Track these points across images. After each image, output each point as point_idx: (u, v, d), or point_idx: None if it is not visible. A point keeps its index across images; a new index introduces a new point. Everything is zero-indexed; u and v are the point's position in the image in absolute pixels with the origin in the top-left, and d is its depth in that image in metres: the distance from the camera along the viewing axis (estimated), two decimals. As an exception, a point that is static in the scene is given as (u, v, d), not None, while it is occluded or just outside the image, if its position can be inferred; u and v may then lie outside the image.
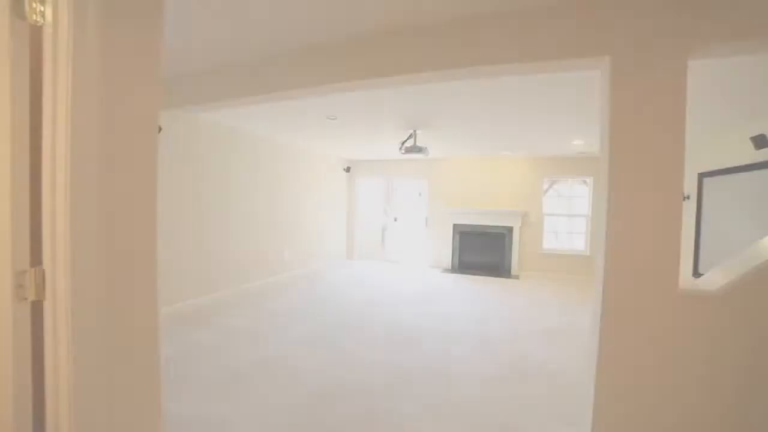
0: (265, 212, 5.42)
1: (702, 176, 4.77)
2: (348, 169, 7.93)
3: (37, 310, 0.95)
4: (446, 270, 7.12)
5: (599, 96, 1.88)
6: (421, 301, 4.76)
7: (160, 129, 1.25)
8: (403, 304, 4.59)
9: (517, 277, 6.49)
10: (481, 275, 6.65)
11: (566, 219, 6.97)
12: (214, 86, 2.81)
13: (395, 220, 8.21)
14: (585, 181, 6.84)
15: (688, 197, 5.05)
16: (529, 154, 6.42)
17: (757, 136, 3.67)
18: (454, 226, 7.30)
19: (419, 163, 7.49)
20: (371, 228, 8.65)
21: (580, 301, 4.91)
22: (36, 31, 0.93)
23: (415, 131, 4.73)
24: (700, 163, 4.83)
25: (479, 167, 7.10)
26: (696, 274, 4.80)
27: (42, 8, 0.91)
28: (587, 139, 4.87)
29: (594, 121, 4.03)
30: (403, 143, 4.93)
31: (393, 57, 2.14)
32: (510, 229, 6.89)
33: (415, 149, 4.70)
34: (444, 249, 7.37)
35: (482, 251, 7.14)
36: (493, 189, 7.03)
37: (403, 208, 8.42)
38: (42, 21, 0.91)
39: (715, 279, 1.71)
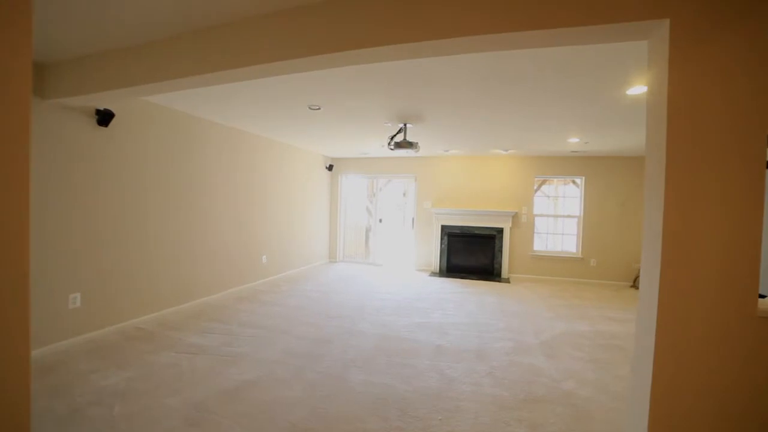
0: (241, 213, 4.91)
1: None
2: (330, 168, 7.48)
3: None
4: (434, 273, 6.79)
5: (649, 71, 1.55)
6: (411, 310, 4.38)
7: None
8: (393, 314, 4.20)
9: (507, 281, 6.23)
10: (470, 279, 6.35)
11: (555, 220, 6.77)
12: (145, 65, 2.32)
13: (380, 221, 7.82)
14: (574, 181, 6.67)
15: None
16: (520, 152, 6.17)
17: None
18: (442, 227, 6.98)
19: (406, 162, 7.13)
20: (355, 229, 8.24)
21: (576, 307, 4.66)
22: None
23: (405, 125, 4.36)
24: None
25: (468, 166, 6.82)
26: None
27: None
28: (585, 135, 4.63)
29: (592, 117, 3.80)
30: (392, 138, 4.54)
31: (368, 24, 1.74)
32: (500, 231, 6.64)
33: (406, 145, 4.32)
34: (431, 251, 7.04)
35: (471, 254, 6.85)
36: (483, 189, 6.75)
37: (388, 209, 8.05)
38: None
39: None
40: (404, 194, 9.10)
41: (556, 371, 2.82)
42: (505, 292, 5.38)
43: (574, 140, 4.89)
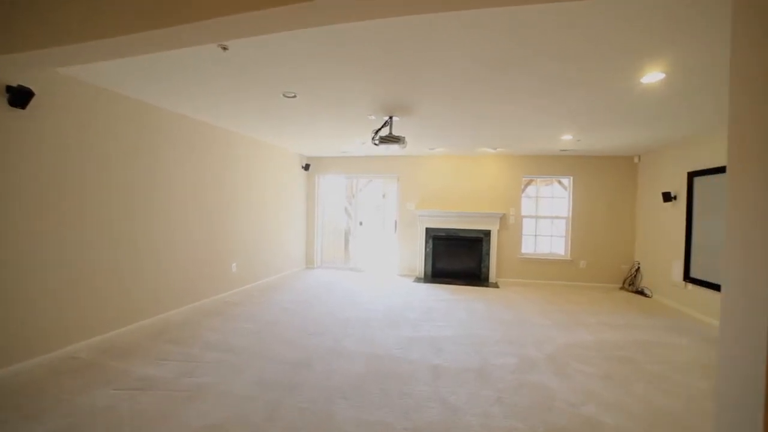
0: (208, 216, 4.34)
1: (692, 175, 4.50)
2: (307, 167, 6.98)
3: None
4: (419, 279, 6.42)
5: (731, 24, 1.22)
6: (399, 322, 3.98)
7: None
8: (380, 327, 3.78)
9: (496, 286, 5.95)
10: (457, 284, 6.03)
11: (542, 222, 6.58)
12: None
13: (360, 223, 7.39)
14: (560, 181, 6.52)
15: (675, 198, 4.80)
16: (508, 151, 5.92)
17: None
18: (427, 230, 6.64)
19: (388, 161, 6.75)
20: (334, 233, 7.77)
21: (571, 313, 4.41)
22: None
23: (390, 118, 3.96)
24: (690, 161, 4.56)
25: (454, 166, 6.51)
26: (687, 278, 4.51)
27: None
28: (579, 132, 4.40)
29: (595, 111, 3.29)
30: (377, 132, 4.13)
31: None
32: (487, 233, 6.37)
33: (392, 139, 3.93)
34: (416, 255, 6.69)
35: (458, 257, 6.54)
36: (469, 190, 6.47)
37: (369, 211, 7.63)
38: None
39: None
40: (383, 196, 8.68)
41: (571, 392, 2.50)
42: (496, 299, 5.08)
43: (567, 137, 4.66)
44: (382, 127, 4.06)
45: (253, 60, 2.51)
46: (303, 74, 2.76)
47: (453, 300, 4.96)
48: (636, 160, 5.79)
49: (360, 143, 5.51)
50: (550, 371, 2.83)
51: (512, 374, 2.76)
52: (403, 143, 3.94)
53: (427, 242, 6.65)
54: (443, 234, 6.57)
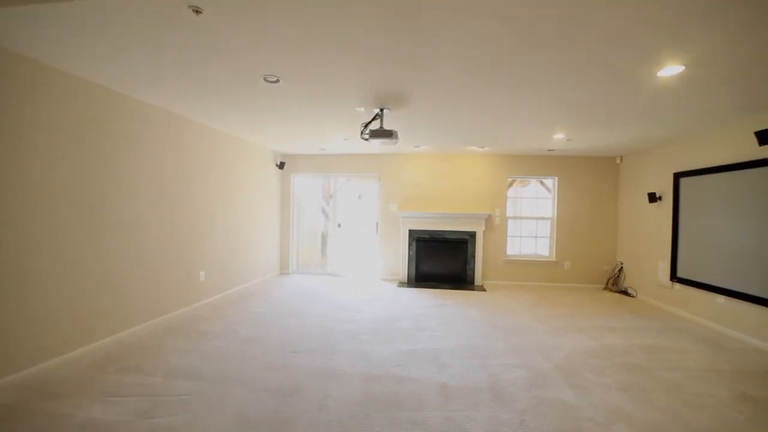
0: (171, 220, 3.78)
1: (678, 176, 4.52)
2: (281, 166, 6.48)
3: None
4: (402, 283, 6.12)
5: None
6: (392, 333, 3.64)
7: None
8: (371, 340, 3.42)
9: (483, 289, 5.76)
10: (443, 288, 5.78)
11: (526, 223, 6.50)
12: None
13: (339, 225, 6.98)
14: (542, 182, 6.46)
15: (660, 198, 4.81)
16: (494, 150, 5.77)
17: (762, 131, 3.35)
18: (410, 232, 6.35)
19: (368, 160, 6.40)
20: (310, 236, 7.30)
21: (566, 317, 4.28)
22: None
23: (381, 111, 3.62)
24: (676, 162, 4.58)
25: (438, 165, 6.28)
26: (674, 278, 4.52)
27: None
28: (573, 131, 4.28)
29: (601, 107, 2.96)
30: (366, 126, 3.79)
31: None
32: (472, 235, 6.18)
33: (383, 134, 3.59)
34: (398, 259, 6.38)
35: (442, 260, 6.30)
36: (454, 190, 6.25)
37: (348, 212, 7.23)
38: None
39: None
40: (359, 197, 8.33)
41: (594, 409, 2.27)
42: (487, 303, 4.87)
43: (559, 137, 4.54)
44: (372, 120, 3.71)
45: (231, 32, 2.08)
46: (289, 54, 2.36)
47: (443, 306, 4.69)
48: (618, 161, 5.83)
49: (342, 139, 5.13)
50: (565, 384, 2.60)
51: (527, 391, 2.50)
52: (395, 138, 3.61)
53: (410, 245, 6.36)
54: (427, 236, 6.31)
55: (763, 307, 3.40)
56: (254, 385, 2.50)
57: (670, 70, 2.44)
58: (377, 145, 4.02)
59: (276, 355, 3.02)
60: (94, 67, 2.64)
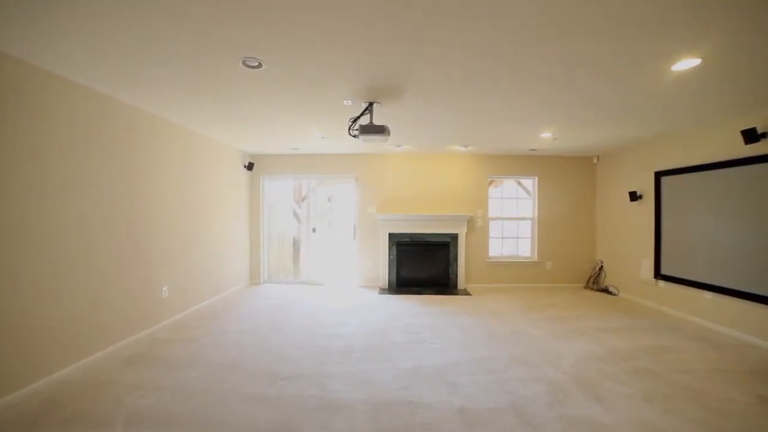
0: (127, 228, 3.19)
1: (659, 174, 4.60)
2: (250, 167, 5.93)
3: None
4: (383, 290, 5.81)
5: None
6: (386, 348, 3.31)
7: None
8: (367, 359, 3.08)
9: (467, 293, 5.59)
10: (427, 294, 5.55)
11: (506, 224, 6.44)
12: None
13: (314, 230, 6.53)
14: (519, 182, 6.43)
15: (641, 197, 4.89)
16: (476, 150, 5.63)
17: (747, 130, 3.43)
18: (390, 235, 6.06)
19: (345, 160, 6.04)
20: (282, 242, 6.79)
21: (559, 319, 4.18)
22: None
23: (371, 105, 3.30)
24: (657, 161, 4.67)
25: (418, 165, 6.05)
26: (659, 275, 4.59)
27: None
28: (562, 130, 4.20)
29: (606, 104, 2.77)
30: (355, 120, 3.45)
31: None
32: (455, 237, 6.00)
33: (374, 129, 3.27)
34: (379, 264, 6.06)
35: (424, 264, 6.07)
36: (434, 191, 6.05)
37: (324, 216, 6.81)
38: None
39: None
40: (329, 199, 7.93)
41: (628, 427, 2.10)
42: (476, 309, 4.68)
43: (546, 135, 4.46)
44: (362, 114, 3.38)
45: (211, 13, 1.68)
46: (272, 31, 1.98)
47: (431, 314, 4.43)
48: (595, 160, 5.92)
49: (320, 137, 4.73)
50: (587, 398, 2.42)
51: (551, 409, 2.29)
52: (387, 134, 3.30)
53: (390, 249, 6.07)
54: (408, 239, 6.05)
55: (750, 302, 3.46)
56: (241, 426, 2.07)
57: (683, 64, 2.35)
58: (365, 141, 3.68)
59: (261, 384, 2.59)
60: (14, 37, 2.09)
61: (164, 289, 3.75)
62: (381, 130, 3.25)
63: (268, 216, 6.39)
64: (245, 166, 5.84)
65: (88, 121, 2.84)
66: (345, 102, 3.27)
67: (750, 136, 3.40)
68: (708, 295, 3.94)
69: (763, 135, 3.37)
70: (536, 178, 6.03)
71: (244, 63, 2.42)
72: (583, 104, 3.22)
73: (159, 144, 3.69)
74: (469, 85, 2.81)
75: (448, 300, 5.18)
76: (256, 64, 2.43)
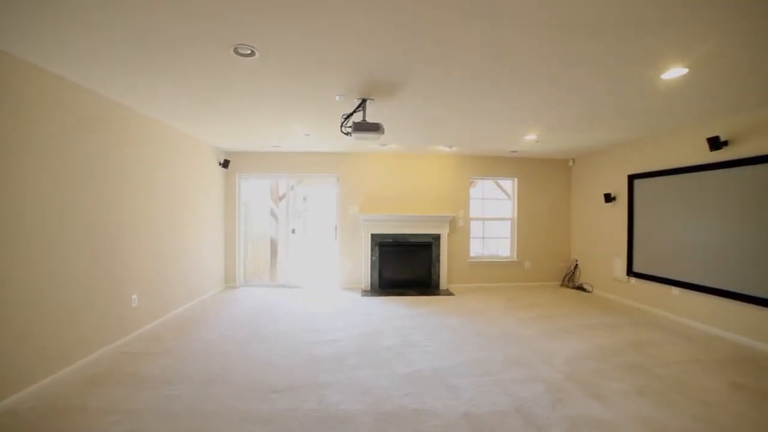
0: (91, 231, 2.87)
1: (632, 177, 4.83)
2: (226, 164, 5.61)
3: None
4: (366, 292, 5.70)
5: None
6: (380, 353, 3.22)
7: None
8: (362, 365, 2.97)
9: (450, 293, 5.61)
10: (410, 295, 5.50)
11: (487, 224, 6.54)
12: None
13: (293, 231, 6.30)
14: (497, 183, 6.55)
15: (615, 198, 5.11)
16: (459, 150, 5.66)
17: (712, 138, 3.66)
18: (372, 236, 5.96)
19: (327, 159, 5.88)
20: (259, 243, 6.50)
21: (544, 318, 4.27)
22: None
23: (365, 101, 3.19)
24: (629, 165, 4.90)
25: (401, 165, 5.99)
26: (631, 272, 4.82)
27: None
28: (544, 132, 4.30)
29: (592, 108, 2.87)
30: (348, 117, 3.33)
31: None
32: (437, 238, 6.01)
33: (368, 127, 3.16)
34: (361, 265, 5.95)
35: (406, 265, 6.02)
36: (417, 191, 6.02)
37: (303, 216, 6.59)
38: None
39: None
40: (304, 199, 7.71)
41: (630, 424, 2.14)
42: (462, 310, 4.69)
43: (530, 137, 4.55)
44: (355, 111, 3.26)
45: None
46: (271, 19, 1.83)
47: (419, 315, 4.38)
48: (570, 163, 6.14)
49: (303, 134, 4.55)
50: (585, 396, 2.46)
51: (554, 410, 2.29)
52: (382, 132, 3.20)
53: (373, 250, 5.97)
54: (390, 240, 5.98)
55: (715, 297, 3.71)
56: (236, 448, 1.90)
57: (673, 73, 2.45)
58: (358, 139, 3.56)
59: (252, 399, 2.41)
60: None
61: (134, 297, 3.43)
62: (376, 127, 3.15)
63: (244, 215, 6.08)
64: (220, 164, 5.51)
65: (65, 116, 2.52)
66: (336, 97, 3.13)
67: (714, 143, 3.63)
68: (676, 290, 4.18)
69: (725, 143, 3.61)
70: (516, 179, 6.16)
71: (236, 51, 2.23)
72: (581, 104, 3.20)
73: (130, 138, 3.37)
74: (469, 85, 2.78)
75: (432, 301, 5.16)
76: (249, 52, 2.25)
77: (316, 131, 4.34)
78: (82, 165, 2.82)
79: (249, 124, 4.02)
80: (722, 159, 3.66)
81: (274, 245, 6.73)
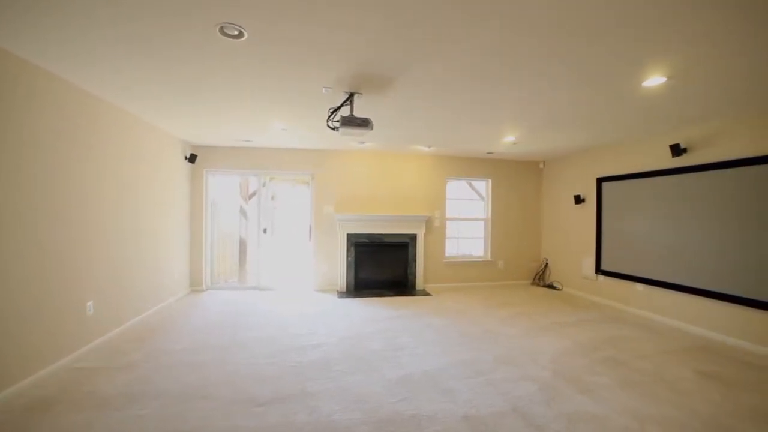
0: (37, 230, 2.50)
1: (600, 180, 5.08)
2: (192, 158, 5.22)
3: None
4: (342, 293, 5.56)
5: None
6: (367, 357, 3.11)
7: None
8: (350, 370, 2.84)
9: (427, 293, 5.60)
10: (387, 296, 5.43)
11: (461, 224, 6.62)
12: None
13: (264, 231, 6.00)
14: (470, 184, 6.66)
15: (584, 200, 5.35)
16: (436, 151, 5.67)
17: (674, 145, 3.92)
18: (348, 236, 5.82)
19: (301, 156, 5.66)
20: (227, 243, 6.14)
21: (521, 316, 4.37)
22: None
23: (352, 95, 3.07)
24: (597, 168, 5.14)
25: (378, 164, 5.90)
26: (599, 270, 5.06)
27: None
28: (523, 134, 4.39)
29: (572, 112, 2.95)
30: (335, 111, 3.18)
31: None
32: (413, 238, 5.98)
33: (356, 122, 3.04)
34: (336, 266, 5.79)
35: (383, 265, 5.95)
36: (394, 191, 5.97)
37: (276, 215, 6.29)
38: None
39: None
40: (272, 197, 7.42)
41: (618, 416, 2.19)
42: (442, 310, 4.68)
43: (509, 139, 4.64)
44: (343, 105, 3.12)
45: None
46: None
47: (400, 317, 4.31)
48: (541, 165, 6.36)
49: (281, 129, 4.32)
50: (576, 392, 2.50)
51: (549, 408, 2.31)
52: (370, 128, 3.09)
53: (349, 250, 5.82)
54: (366, 240, 5.87)
55: (675, 292, 3.98)
56: (225, 470, 1.71)
57: (653, 81, 2.57)
58: (344, 135, 3.41)
59: (235, 414, 2.20)
60: None
61: (89, 304, 3.05)
62: (365, 122, 3.03)
63: (211, 214, 5.70)
64: (186, 158, 5.12)
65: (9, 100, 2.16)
66: (324, 90, 2.98)
67: (676, 150, 3.90)
68: (640, 287, 4.44)
69: (685, 150, 3.89)
70: (490, 180, 6.29)
71: (222, 30, 2.03)
72: (566, 106, 3.24)
73: (82, 125, 3.00)
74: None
75: (410, 301, 5.11)
76: (237, 32, 2.05)
77: (295, 125, 4.14)
78: (27, 153, 2.45)
79: (224, 115, 3.75)
80: (683, 165, 3.93)
81: (243, 245, 6.38)
